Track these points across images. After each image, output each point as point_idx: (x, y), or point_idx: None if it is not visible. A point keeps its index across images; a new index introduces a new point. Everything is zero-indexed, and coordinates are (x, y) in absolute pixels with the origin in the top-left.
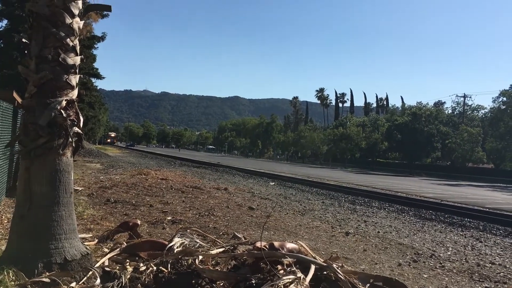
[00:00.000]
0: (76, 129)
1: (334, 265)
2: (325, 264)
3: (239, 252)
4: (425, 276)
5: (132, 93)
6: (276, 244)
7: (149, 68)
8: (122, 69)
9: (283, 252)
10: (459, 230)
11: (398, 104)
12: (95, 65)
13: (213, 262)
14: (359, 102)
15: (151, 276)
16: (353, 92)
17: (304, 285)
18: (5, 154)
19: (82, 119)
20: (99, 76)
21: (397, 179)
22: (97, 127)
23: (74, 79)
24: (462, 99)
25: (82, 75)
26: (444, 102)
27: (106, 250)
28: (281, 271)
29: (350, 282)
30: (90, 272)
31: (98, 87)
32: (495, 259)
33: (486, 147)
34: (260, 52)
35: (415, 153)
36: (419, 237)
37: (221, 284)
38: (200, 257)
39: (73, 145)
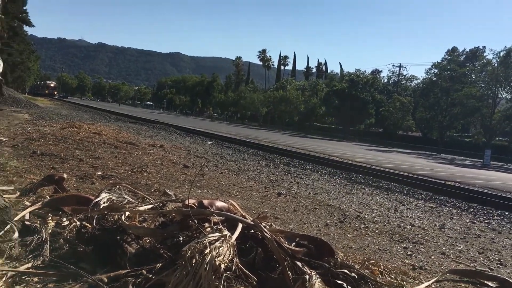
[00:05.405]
0: None
1: (262, 224)
2: (253, 223)
3: (167, 209)
4: (350, 236)
5: (67, 41)
6: (205, 202)
7: (85, 16)
8: (55, 15)
9: (212, 210)
10: (385, 194)
11: (337, 70)
12: (26, 9)
13: (140, 218)
14: (302, 65)
15: (74, 231)
16: (296, 56)
17: (230, 243)
18: None
19: (1, 64)
20: (28, 23)
21: (332, 143)
22: (26, 75)
23: None
24: (397, 68)
25: (3, 16)
26: (381, 71)
27: (28, 203)
28: (208, 229)
29: (276, 240)
30: (8, 226)
31: (29, 33)
32: (415, 222)
33: (416, 116)
34: (204, 8)
35: (350, 118)
36: (347, 199)
37: (147, 241)
38: (127, 213)
39: None
